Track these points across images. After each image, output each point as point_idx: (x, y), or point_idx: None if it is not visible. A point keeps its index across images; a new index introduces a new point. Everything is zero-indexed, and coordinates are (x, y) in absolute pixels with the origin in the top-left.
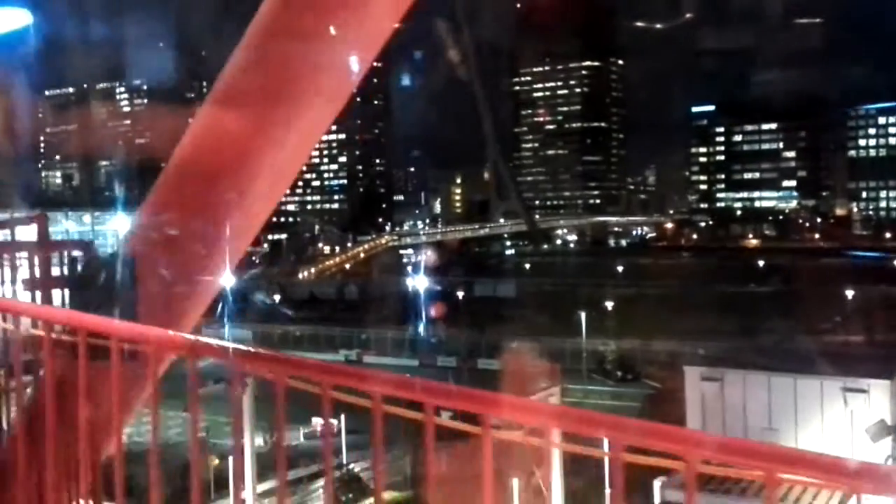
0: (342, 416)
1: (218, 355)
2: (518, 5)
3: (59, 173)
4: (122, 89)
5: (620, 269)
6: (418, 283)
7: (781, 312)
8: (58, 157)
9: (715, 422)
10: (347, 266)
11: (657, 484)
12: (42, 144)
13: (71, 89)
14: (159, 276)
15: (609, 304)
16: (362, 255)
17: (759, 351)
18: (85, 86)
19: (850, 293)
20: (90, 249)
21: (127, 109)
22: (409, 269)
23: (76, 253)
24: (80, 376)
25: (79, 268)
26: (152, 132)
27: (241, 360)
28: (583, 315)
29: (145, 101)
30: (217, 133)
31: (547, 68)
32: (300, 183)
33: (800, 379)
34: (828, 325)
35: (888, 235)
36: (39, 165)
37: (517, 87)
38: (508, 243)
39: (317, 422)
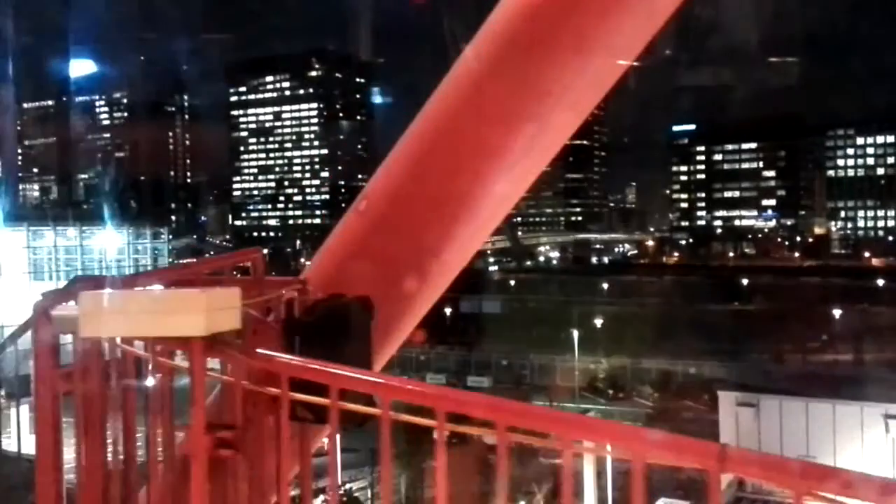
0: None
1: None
2: None
3: (36, 185)
4: (102, 102)
5: (605, 286)
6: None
7: (767, 332)
8: (35, 169)
9: (749, 448)
10: None
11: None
12: (20, 156)
13: (50, 102)
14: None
15: (595, 322)
16: None
17: (748, 372)
18: (64, 99)
19: (835, 312)
20: (306, 288)
21: (107, 123)
22: None
23: (292, 293)
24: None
25: (295, 310)
26: (133, 145)
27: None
28: (570, 332)
29: (125, 114)
30: (441, 153)
31: None
32: (281, 198)
33: (839, 405)
34: (816, 345)
35: (866, 254)
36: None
37: None
38: (491, 259)
39: None
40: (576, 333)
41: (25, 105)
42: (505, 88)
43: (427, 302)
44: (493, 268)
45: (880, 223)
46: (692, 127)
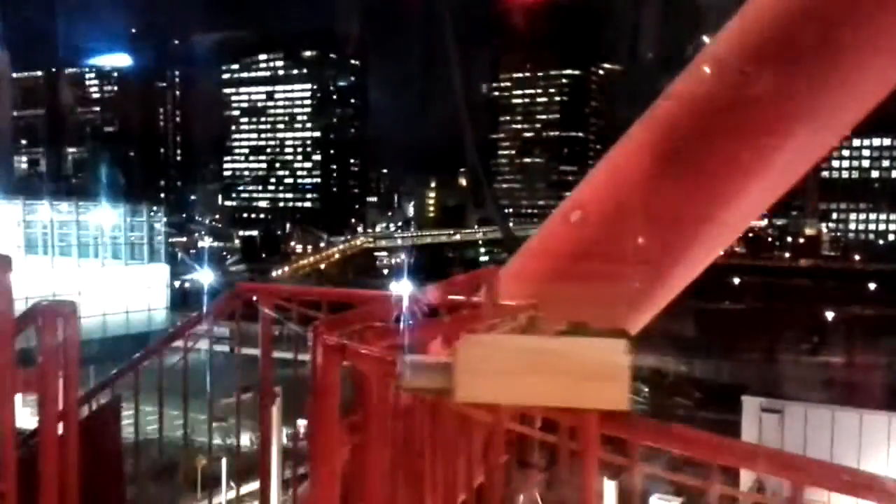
0: None
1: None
2: (499, 11)
3: (24, 158)
4: (93, 75)
5: None
6: (396, 287)
7: (757, 331)
8: (25, 140)
9: None
10: (322, 266)
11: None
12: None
13: (39, 73)
14: None
15: None
16: (337, 255)
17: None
18: (54, 70)
19: (826, 314)
20: (536, 311)
21: (97, 97)
22: (385, 272)
23: (525, 319)
24: None
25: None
26: (122, 121)
27: None
28: None
29: (115, 88)
30: (686, 169)
31: (527, 75)
32: (272, 180)
33: (865, 415)
34: (808, 345)
35: (856, 257)
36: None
37: (496, 94)
38: (483, 250)
39: (301, 423)
40: None
41: (14, 76)
42: (770, 108)
43: (640, 324)
44: (485, 258)
45: (871, 226)
46: None
